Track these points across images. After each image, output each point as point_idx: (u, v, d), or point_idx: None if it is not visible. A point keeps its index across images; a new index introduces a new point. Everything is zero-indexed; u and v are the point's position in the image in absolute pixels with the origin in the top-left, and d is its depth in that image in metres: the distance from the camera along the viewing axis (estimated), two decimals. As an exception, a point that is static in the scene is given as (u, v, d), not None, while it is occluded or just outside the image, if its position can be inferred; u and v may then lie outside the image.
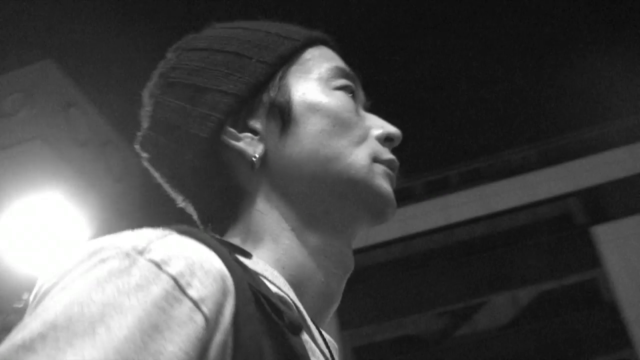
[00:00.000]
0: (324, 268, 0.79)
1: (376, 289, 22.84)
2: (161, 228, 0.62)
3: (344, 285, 0.83)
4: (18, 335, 0.50)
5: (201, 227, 0.87)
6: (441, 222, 23.55)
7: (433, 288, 22.74)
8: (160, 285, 0.53)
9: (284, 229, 0.79)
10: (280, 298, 0.68)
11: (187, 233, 0.62)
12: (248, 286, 0.61)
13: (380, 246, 23.39)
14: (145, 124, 0.87)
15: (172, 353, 0.51)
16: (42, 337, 0.49)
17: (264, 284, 0.68)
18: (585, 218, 21.71)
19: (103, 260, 0.56)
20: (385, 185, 0.82)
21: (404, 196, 25.73)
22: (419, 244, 23.82)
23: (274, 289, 0.70)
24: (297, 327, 0.65)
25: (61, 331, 0.49)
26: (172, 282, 0.54)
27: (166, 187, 0.88)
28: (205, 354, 0.54)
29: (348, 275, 0.83)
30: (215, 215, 0.84)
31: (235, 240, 0.80)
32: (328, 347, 0.75)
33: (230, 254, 0.63)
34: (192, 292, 0.54)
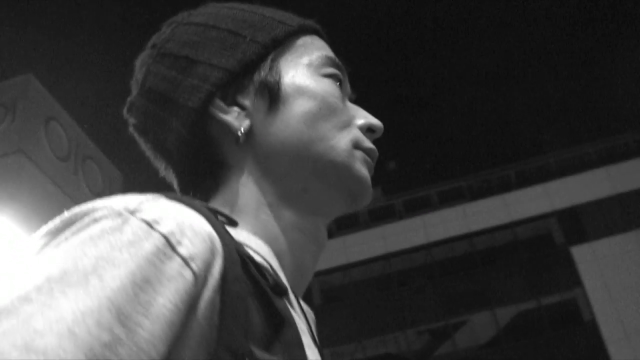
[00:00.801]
0: (299, 243, 0.82)
1: (356, 307, 22.82)
2: (150, 194, 0.64)
3: (318, 260, 0.86)
4: (15, 287, 0.52)
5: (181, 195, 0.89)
6: (421, 240, 23.61)
7: (413, 306, 22.76)
8: (152, 242, 0.56)
9: (262, 203, 0.82)
10: (264, 266, 0.70)
11: (176, 198, 0.64)
12: (235, 249, 0.63)
13: (360, 264, 23.38)
14: (134, 91, 0.90)
15: (162, 304, 0.53)
16: (37, 288, 0.51)
17: (248, 252, 0.69)
18: (565, 238, 21.84)
19: (96, 220, 0.58)
20: (363, 171, 0.85)
21: (384, 214, 25.78)
22: (399, 262, 23.85)
23: (258, 258, 0.72)
24: (283, 289, 0.67)
25: (55, 282, 0.51)
26: (163, 240, 0.56)
27: (149, 153, 0.91)
28: (194, 309, 0.56)
29: (322, 252, 0.86)
30: (197, 184, 0.86)
31: None
32: (306, 317, 0.78)
33: (217, 220, 0.65)
34: (182, 250, 0.57)
